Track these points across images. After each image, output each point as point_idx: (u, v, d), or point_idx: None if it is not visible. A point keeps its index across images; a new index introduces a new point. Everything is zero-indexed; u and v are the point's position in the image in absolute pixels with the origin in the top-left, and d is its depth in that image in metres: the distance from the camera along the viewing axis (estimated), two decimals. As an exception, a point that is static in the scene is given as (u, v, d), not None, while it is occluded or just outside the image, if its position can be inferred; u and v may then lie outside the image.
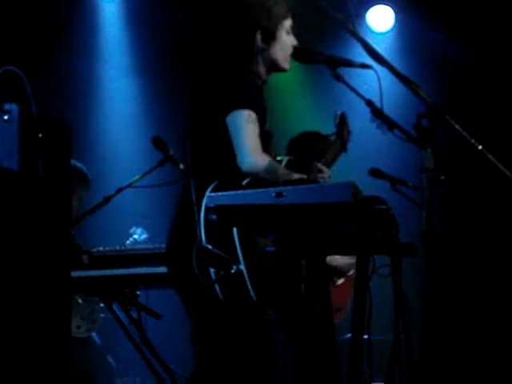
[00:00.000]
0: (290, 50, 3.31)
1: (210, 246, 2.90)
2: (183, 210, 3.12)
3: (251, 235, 2.94)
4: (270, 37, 3.27)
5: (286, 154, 3.63)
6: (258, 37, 3.26)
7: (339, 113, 3.44)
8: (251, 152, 3.03)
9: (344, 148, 3.54)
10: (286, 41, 3.31)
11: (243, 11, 3.29)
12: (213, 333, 3.09)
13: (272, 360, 3.15)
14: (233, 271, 2.89)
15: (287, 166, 3.18)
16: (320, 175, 3.37)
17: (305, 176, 3.11)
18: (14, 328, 2.48)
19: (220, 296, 2.95)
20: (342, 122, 3.48)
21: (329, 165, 3.46)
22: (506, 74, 6.58)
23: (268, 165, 3.03)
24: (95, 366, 5.63)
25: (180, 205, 3.16)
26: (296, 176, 3.08)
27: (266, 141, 3.21)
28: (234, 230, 2.90)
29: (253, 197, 2.65)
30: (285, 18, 3.31)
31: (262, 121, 3.16)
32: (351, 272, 4.66)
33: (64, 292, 2.76)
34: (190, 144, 3.20)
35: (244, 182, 3.00)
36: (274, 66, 3.33)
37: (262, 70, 3.30)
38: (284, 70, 3.37)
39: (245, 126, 3.06)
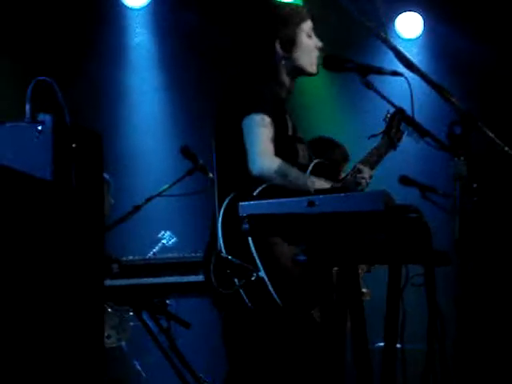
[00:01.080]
0: (314, 53, 3.32)
1: (229, 256, 2.92)
2: (214, 220, 3.13)
3: (268, 242, 2.94)
4: (290, 43, 3.27)
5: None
6: (278, 46, 3.27)
7: (391, 111, 3.42)
8: (260, 155, 3.03)
9: (393, 146, 3.51)
10: (308, 44, 3.31)
11: (260, 23, 3.31)
12: (244, 338, 3.09)
13: (308, 364, 3.14)
14: (253, 278, 2.90)
15: (314, 169, 3.18)
16: (359, 175, 3.37)
17: (322, 179, 3.11)
18: (49, 339, 2.48)
19: (247, 302, 2.96)
20: (392, 121, 3.46)
21: (371, 164, 3.44)
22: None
23: (278, 168, 3.02)
24: (124, 374, 5.64)
25: (213, 215, 3.17)
26: (313, 179, 3.08)
27: (291, 146, 3.20)
28: (249, 238, 2.90)
29: (285, 206, 2.64)
30: (303, 21, 3.31)
31: (281, 126, 3.16)
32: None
33: (97, 302, 2.76)
34: (215, 153, 3.22)
35: (256, 192, 3.00)
36: (299, 72, 3.33)
37: (284, 78, 3.30)
38: (312, 74, 3.36)
39: (256, 130, 3.06)
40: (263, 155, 3.04)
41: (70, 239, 2.56)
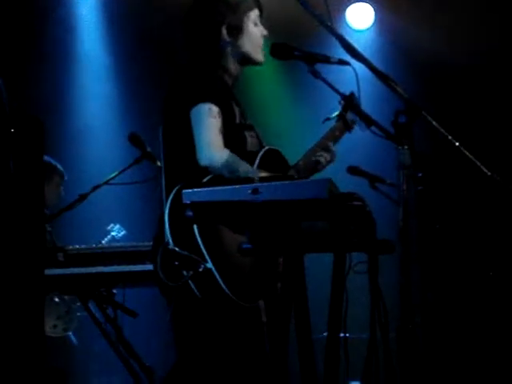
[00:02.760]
0: (260, 41, 3.34)
1: (176, 248, 2.91)
2: (161, 209, 3.10)
3: (215, 231, 2.93)
4: (236, 30, 3.29)
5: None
6: (224, 31, 3.28)
7: (346, 94, 3.43)
8: (208, 146, 3.03)
9: (348, 128, 3.51)
10: (254, 32, 3.32)
11: (207, 8, 3.31)
12: (193, 328, 3.08)
13: (258, 353, 3.13)
14: (201, 270, 2.89)
15: (265, 156, 3.17)
16: (319, 153, 3.36)
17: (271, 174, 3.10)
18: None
19: (196, 293, 2.95)
20: (348, 104, 3.47)
21: (327, 146, 3.42)
22: (484, 71, 6.61)
23: (226, 159, 3.02)
24: (71, 365, 5.60)
25: (160, 205, 3.14)
26: (262, 174, 3.05)
27: (239, 134, 3.20)
28: (195, 228, 2.89)
29: (229, 193, 2.63)
30: (250, 9, 3.33)
31: (228, 114, 3.15)
32: None
33: (37, 290, 2.71)
34: (163, 143, 3.20)
35: (205, 180, 2.98)
36: (245, 59, 3.33)
37: (231, 64, 3.31)
38: (258, 63, 3.37)
39: (204, 120, 3.06)
40: (212, 147, 3.03)
41: (7, 226, 2.51)
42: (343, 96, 3.38)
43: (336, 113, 3.50)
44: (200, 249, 2.91)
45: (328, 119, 3.49)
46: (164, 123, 3.23)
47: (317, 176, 3.41)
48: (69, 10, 6.70)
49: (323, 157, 3.39)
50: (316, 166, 3.39)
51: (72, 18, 6.73)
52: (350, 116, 3.48)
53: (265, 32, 3.36)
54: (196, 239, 2.91)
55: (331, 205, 2.53)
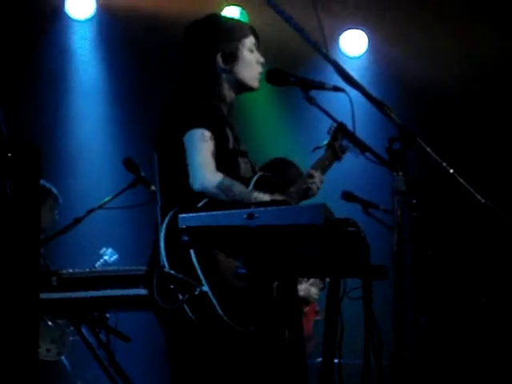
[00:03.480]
0: (256, 68, 3.35)
1: (172, 271, 2.91)
2: (157, 233, 3.10)
3: (211, 255, 2.93)
4: (231, 57, 3.30)
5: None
6: (219, 59, 3.29)
7: (335, 124, 3.47)
8: (201, 170, 3.04)
9: (338, 157, 3.56)
10: (249, 59, 3.34)
11: (202, 35, 3.32)
12: (187, 353, 3.07)
13: (251, 377, 3.12)
14: (197, 293, 2.89)
15: (258, 182, 3.19)
16: (310, 181, 3.40)
17: (267, 194, 3.12)
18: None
19: (191, 316, 2.95)
20: (337, 134, 3.51)
21: (316, 175, 3.46)
22: (477, 97, 6.66)
23: (220, 182, 3.03)
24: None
25: (156, 228, 3.15)
26: (256, 194, 3.09)
27: (232, 160, 3.21)
28: (192, 251, 2.90)
29: (224, 218, 2.63)
30: (245, 36, 3.35)
31: (222, 139, 3.17)
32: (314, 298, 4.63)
33: (31, 315, 2.71)
34: (157, 168, 3.22)
35: (200, 204, 2.99)
36: (241, 86, 3.35)
37: (226, 92, 3.33)
38: (253, 89, 3.39)
39: (197, 145, 3.07)
40: (204, 170, 3.04)
41: (3, 251, 2.50)
42: (334, 124, 3.42)
43: (325, 142, 3.54)
44: (196, 272, 2.91)
45: (318, 148, 3.53)
46: (158, 147, 3.24)
47: (310, 201, 3.43)
48: (64, 34, 6.72)
49: (314, 184, 3.41)
50: (307, 193, 3.42)
51: (67, 42, 6.74)
52: (344, 142, 3.51)
53: (261, 59, 3.37)
54: (193, 262, 2.91)
55: (326, 230, 2.54)
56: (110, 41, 6.72)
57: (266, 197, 3.11)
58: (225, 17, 3.57)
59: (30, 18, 6.41)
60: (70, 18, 6.67)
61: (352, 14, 6.81)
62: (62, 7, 6.63)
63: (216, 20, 3.39)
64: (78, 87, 6.82)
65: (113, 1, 6.66)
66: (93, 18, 6.69)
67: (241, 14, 6.32)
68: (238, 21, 3.46)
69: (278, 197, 3.19)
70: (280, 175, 3.79)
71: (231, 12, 6.23)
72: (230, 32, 3.32)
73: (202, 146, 3.06)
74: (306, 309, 4.71)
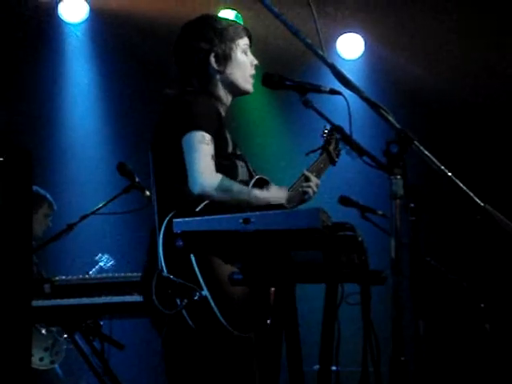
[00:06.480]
0: (249, 70, 3.33)
1: (171, 276, 2.87)
2: (153, 238, 3.06)
3: (212, 260, 2.90)
4: (225, 58, 3.28)
5: None
6: (212, 59, 3.27)
7: (327, 127, 3.44)
8: (201, 172, 3.01)
9: (332, 161, 3.57)
10: (242, 60, 3.32)
11: (196, 36, 3.30)
12: (185, 359, 3.03)
13: (251, 382, 3.08)
14: (196, 298, 2.84)
15: (256, 184, 3.18)
16: (305, 184, 3.37)
17: (267, 190, 3.09)
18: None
19: (190, 322, 2.91)
20: (330, 137, 3.48)
21: (311, 178, 3.45)
22: (474, 98, 6.65)
23: (219, 184, 3.00)
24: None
25: (151, 233, 3.11)
26: (256, 192, 3.06)
27: (231, 163, 3.18)
28: (192, 256, 2.86)
29: (220, 222, 2.60)
30: (239, 37, 3.32)
31: (221, 143, 3.14)
32: None
33: (24, 323, 2.66)
34: (153, 171, 3.17)
35: (198, 209, 2.95)
36: (234, 88, 3.32)
37: (222, 93, 3.30)
38: (246, 92, 3.37)
39: (197, 147, 3.04)
40: (204, 172, 3.01)
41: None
42: (327, 127, 3.40)
43: (319, 145, 3.52)
44: (196, 276, 2.87)
45: (312, 152, 3.51)
46: (155, 151, 3.20)
47: (307, 205, 3.40)
48: (56, 37, 6.70)
49: (310, 187, 3.39)
50: (303, 197, 3.39)
51: (60, 45, 6.72)
52: (341, 146, 3.49)
53: (255, 61, 3.35)
54: (192, 267, 2.87)
55: (324, 234, 2.50)
56: (102, 44, 6.70)
57: (266, 194, 3.09)
58: (219, 17, 3.54)
59: (23, 20, 6.38)
60: (63, 20, 6.65)
61: (348, 17, 6.81)
62: (55, 10, 6.60)
63: (210, 20, 3.36)
64: (71, 91, 6.81)
65: (105, 4, 6.65)
66: (86, 20, 6.68)
67: (236, 17, 6.32)
68: (232, 21, 3.43)
69: (275, 193, 3.15)
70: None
71: (227, 15, 6.23)
72: (224, 33, 3.29)
73: (201, 148, 3.03)
74: None
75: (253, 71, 3.34)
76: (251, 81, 3.34)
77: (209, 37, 3.27)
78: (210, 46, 3.26)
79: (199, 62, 3.26)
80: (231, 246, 2.62)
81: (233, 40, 3.29)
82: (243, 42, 3.32)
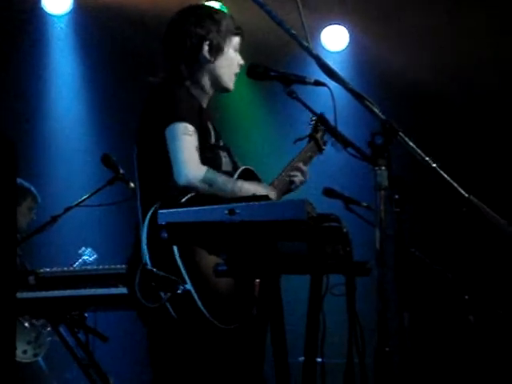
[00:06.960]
0: (235, 69, 3.34)
1: (154, 269, 2.86)
2: (138, 231, 3.05)
3: (195, 253, 2.89)
4: (217, 49, 3.27)
5: None
6: (206, 48, 3.26)
7: (315, 116, 3.44)
8: (186, 164, 3.00)
9: (320, 149, 3.54)
10: (232, 58, 3.32)
11: (192, 21, 3.28)
12: (169, 351, 3.03)
13: (234, 376, 3.08)
14: (179, 291, 2.84)
15: (241, 175, 3.17)
16: (292, 173, 3.37)
17: (251, 183, 3.09)
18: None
19: (173, 314, 2.91)
20: (318, 124, 3.48)
21: (299, 167, 3.44)
22: (461, 93, 6.67)
23: (204, 175, 2.99)
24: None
25: (136, 226, 3.09)
26: (240, 183, 3.06)
27: (214, 154, 3.18)
28: (175, 249, 2.85)
29: (205, 214, 2.59)
30: (234, 34, 3.33)
31: (204, 134, 3.14)
32: None
33: (8, 315, 2.64)
34: (137, 163, 3.16)
35: (184, 200, 2.94)
36: (217, 83, 3.31)
37: (206, 82, 3.29)
38: (227, 90, 3.36)
39: (180, 138, 3.02)
40: (189, 164, 3.00)
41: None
42: (315, 116, 3.39)
43: (307, 133, 3.51)
44: (179, 270, 2.87)
45: (299, 140, 3.50)
46: (139, 142, 3.19)
47: (291, 196, 3.39)
48: (40, 29, 6.66)
49: (297, 177, 3.39)
50: (290, 186, 3.39)
51: (44, 36, 6.69)
52: (326, 137, 3.48)
53: (241, 61, 3.35)
54: (175, 260, 2.86)
55: (308, 226, 2.49)
56: (86, 36, 6.66)
57: (251, 186, 3.09)
58: (220, 10, 3.53)
59: (6, 12, 6.33)
60: (46, 12, 6.61)
61: (333, 9, 6.80)
62: (39, 2, 6.56)
63: (209, 10, 3.37)
64: (56, 83, 6.77)
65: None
66: (69, 12, 6.64)
67: (221, 8, 6.30)
68: (231, 17, 3.41)
69: (261, 187, 3.15)
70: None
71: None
72: (222, 25, 3.29)
73: (184, 139, 3.02)
74: None
75: (238, 70, 3.34)
76: (234, 79, 3.34)
77: (206, 25, 3.26)
78: (205, 33, 3.25)
79: (191, 47, 3.24)
80: (216, 237, 2.61)
81: (228, 35, 3.29)
82: (236, 40, 3.33)
